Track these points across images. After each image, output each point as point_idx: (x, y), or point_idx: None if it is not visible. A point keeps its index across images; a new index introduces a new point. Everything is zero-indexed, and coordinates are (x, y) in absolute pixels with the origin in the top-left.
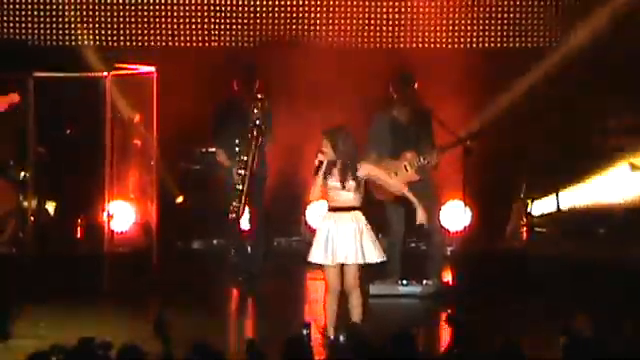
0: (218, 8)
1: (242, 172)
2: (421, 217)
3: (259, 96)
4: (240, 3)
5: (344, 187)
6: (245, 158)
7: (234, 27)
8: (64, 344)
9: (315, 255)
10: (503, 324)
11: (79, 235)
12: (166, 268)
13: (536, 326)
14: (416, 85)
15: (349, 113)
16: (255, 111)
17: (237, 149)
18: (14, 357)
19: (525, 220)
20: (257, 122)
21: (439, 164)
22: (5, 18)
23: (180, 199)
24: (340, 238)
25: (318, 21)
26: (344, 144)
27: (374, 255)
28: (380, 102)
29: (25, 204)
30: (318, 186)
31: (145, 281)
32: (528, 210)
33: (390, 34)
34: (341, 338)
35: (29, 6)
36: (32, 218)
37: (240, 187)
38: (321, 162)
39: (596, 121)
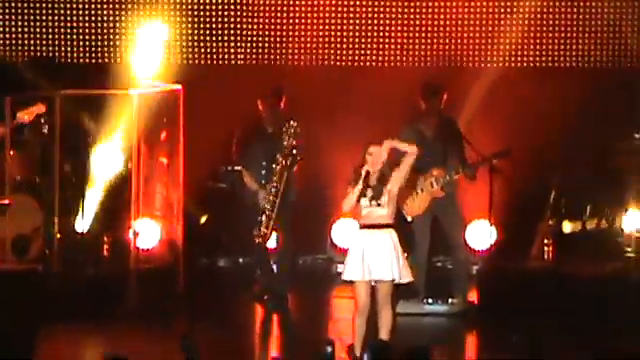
0: (247, 26)
1: (272, 198)
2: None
3: (292, 122)
4: (267, 22)
5: (379, 203)
6: (276, 184)
7: (261, 45)
8: None
9: (350, 272)
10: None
11: (105, 252)
12: (192, 286)
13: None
14: (445, 96)
15: (370, 132)
16: (289, 138)
17: (263, 172)
18: None
19: (550, 240)
20: (293, 151)
21: (475, 177)
22: (32, 36)
23: (204, 218)
24: (376, 255)
25: (339, 39)
26: (383, 160)
27: (407, 274)
28: (406, 115)
29: (51, 221)
30: (355, 194)
31: (171, 298)
32: (553, 230)
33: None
34: (365, 357)
35: (56, 23)
36: (58, 235)
37: (269, 213)
38: (368, 172)
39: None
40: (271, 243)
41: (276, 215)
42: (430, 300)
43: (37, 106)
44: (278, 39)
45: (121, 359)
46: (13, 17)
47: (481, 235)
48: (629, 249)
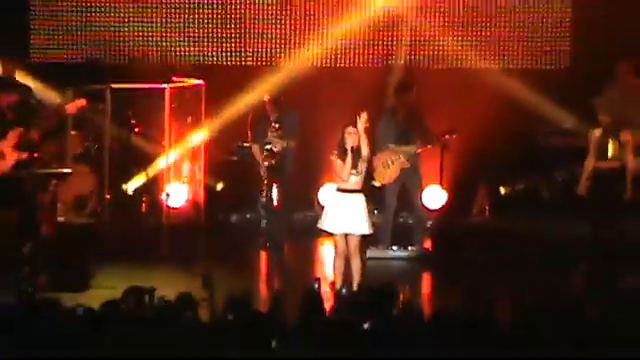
0: (258, 30)
1: (273, 168)
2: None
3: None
4: (277, 28)
5: (356, 170)
6: (276, 157)
7: (268, 48)
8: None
9: (329, 226)
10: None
11: (144, 210)
12: (211, 236)
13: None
14: (414, 91)
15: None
16: (275, 128)
17: (267, 147)
18: (91, 303)
19: (487, 201)
20: (276, 125)
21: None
22: (83, 39)
23: (220, 185)
24: (347, 214)
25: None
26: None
27: (369, 227)
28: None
29: (102, 185)
30: (349, 166)
31: (195, 246)
32: (490, 193)
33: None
34: (344, 290)
35: (102, 27)
36: (108, 196)
37: (270, 179)
38: (352, 147)
39: (542, 126)
40: (272, 202)
41: (276, 181)
42: (394, 247)
43: (80, 100)
44: (276, 46)
45: (148, 289)
46: (69, 23)
47: (434, 197)
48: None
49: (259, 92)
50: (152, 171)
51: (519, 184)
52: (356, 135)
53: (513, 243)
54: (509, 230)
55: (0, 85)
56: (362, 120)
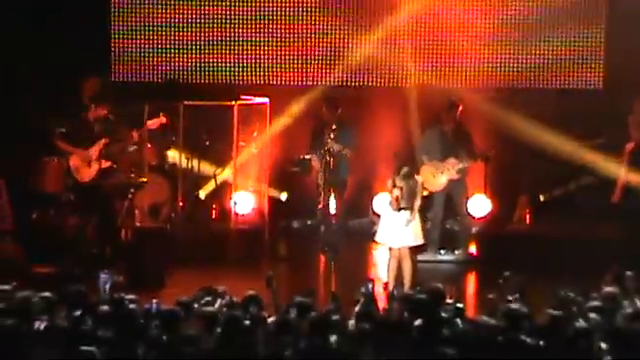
0: (317, 55)
1: (331, 178)
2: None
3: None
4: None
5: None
6: (332, 168)
7: (326, 71)
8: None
9: (383, 238)
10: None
11: (214, 216)
12: (274, 240)
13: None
14: (460, 108)
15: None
16: (333, 131)
17: (326, 159)
18: (167, 301)
19: (528, 209)
20: (334, 128)
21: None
22: (162, 63)
23: (285, 195)
24: (400, 227)
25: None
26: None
27: (420, 238)
28: (431, 121)
29: (176, 194)
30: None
31: (259, 249)
32: (530, 202)
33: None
34: (396, 291)
35: (175, 51)
36: (180, 204)
37: (328, 188)
38: (397, 197)
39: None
40: (330, 210)
41: (334, 189)
42: (442, 251)
43: (160, 117)
44: (336, 66)
45: (214, 290)
46: (147, 46)
47: (479, 205)
48: None
49: (319, 106)
50: (220, 178)
51: (557, 190)
52: (399, 191)
53: (551, 248)
54: (548, 236)
55: (89, 101)
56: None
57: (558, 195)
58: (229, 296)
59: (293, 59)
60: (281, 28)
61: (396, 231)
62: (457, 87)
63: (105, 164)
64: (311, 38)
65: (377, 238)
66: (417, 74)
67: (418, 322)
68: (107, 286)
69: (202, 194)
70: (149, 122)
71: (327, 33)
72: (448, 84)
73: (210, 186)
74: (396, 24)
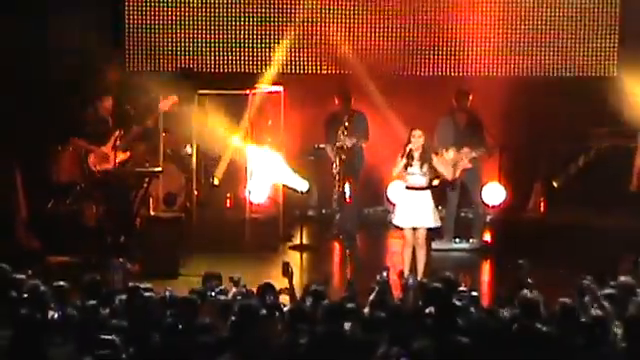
0: (330, 41)
1: (345, 166)
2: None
3: (357, 114)
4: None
5: (422, 171)
6: (347, 157)
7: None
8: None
9: (399, 220)
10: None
11: (228, 205)
12: (289, 229)
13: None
14: (470, 97)
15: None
16: (345, 127)
17: (337, 144)
18: (181, 289)
19: (543, 197)
20: (346, 124)
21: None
22: (179, 52)
23: (307, 185)
24: (416, 209)
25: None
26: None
27: (437, 221)
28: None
29: (191, 183)
30: (401, 165)
31: (273, 237)
32: (545, 190)
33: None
34: (411, 279)
35: (190, 42)
36: (195, 192)
37: (343, 177)
38: (411, 149)
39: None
40: (346, 198)
41: (348, 178)
42: (457, 240)
43: (172, 97)
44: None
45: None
46: (161, 36)
47: (494, 194)
48: None
49: (332, 97)
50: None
51: (568, 170)
52: (421, 138)
53: (566, 235)
54: (562, 224)
55: (99, 91)
56: (417, 136)
57: (570, 175)
58: (243, 285)
59: (308, 47)
60: (293, 10)
61: (414, 213)
62: (470, 75)
63: (121, 156)
64: (327, 26)
65: (395, 221)
66: (430, 62)
67: (432, 310)
68: (118, 275)
69: (216, 180)
70: (160, 104)
71: (342, 21)
72: (461, 72)
73: (222, 167)
74: (410, 10)
